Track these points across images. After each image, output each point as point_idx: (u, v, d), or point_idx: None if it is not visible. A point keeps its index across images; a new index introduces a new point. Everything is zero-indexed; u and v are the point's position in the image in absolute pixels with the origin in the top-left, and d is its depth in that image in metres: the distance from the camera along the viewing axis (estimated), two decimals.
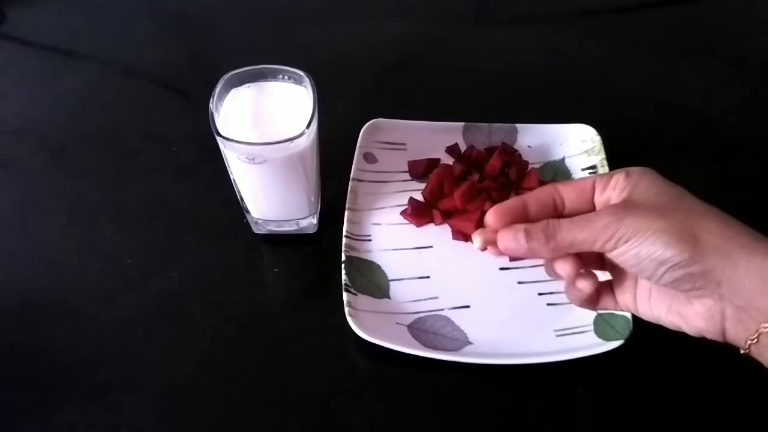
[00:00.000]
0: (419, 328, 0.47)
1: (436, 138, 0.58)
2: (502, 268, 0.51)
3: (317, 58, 0.64)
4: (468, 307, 0.49)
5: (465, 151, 0.57)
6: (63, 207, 0.56)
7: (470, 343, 0.47)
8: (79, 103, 0.64)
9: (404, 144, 0.58)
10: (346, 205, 0.52)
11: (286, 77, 0.48)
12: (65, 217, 0.55)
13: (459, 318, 0.48)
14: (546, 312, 0.48)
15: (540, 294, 0.49)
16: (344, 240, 0.50)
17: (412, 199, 0.54)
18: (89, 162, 0.59)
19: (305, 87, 0.47)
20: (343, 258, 0.49)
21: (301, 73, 0.47)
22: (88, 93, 0.65)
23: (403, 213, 0.54)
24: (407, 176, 0.56)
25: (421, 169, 0.56)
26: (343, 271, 0.49)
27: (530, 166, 0.56)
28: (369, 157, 0.56)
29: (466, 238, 0.52)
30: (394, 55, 0.69)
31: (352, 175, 0.54)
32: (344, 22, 0.73)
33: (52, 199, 0.56)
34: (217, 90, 0.46)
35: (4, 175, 0.58)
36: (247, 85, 0.48)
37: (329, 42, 0.70)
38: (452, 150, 0.58)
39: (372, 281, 0.50)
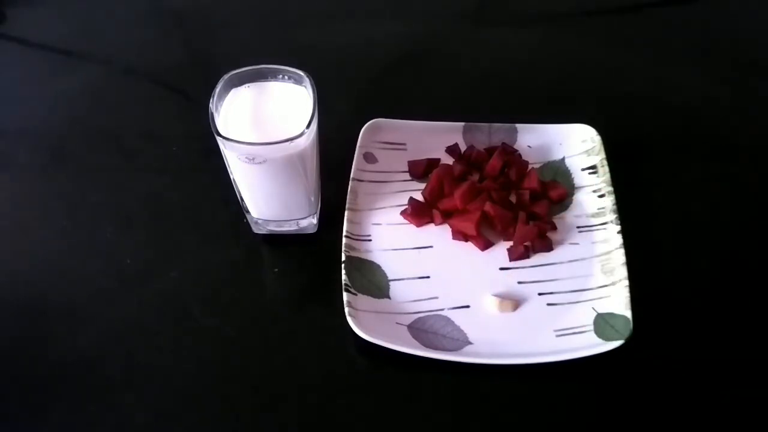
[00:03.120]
0: (419, 328, 0.47)
1: (436, 138, 0.58)
2: (502, 268, 0.51)
3: (317, 58, 0.64)
4: (468, 307, 0.49)
5: (465, 151, 0.57)
6: (63, 207, 0.56)
7: (470, 343, 0.47)
8: (79, 103, 0.64)
9: (404, 144, 0.58)
10: (346, 205, 0.52)
11: (286, 77, 0.48)
12: (65, 217, 0.55)
13: (459, 318, 0.48)
14: (546, 312, 0.48)
15: (540, 294, 0.49)
16: (344, 240, 0.50)
17: (412, 199, 0.54)
18: (89, 162, 0.59)
19: (305, 87, 0.47)
20: (343, 258, 0.49)
21: (301, 73, 0.47)
22: (88, 93, 0.65)
23: (403, 213, 0.54)
24: (407, 176, 0.56)
25: (421, 169, 0.56)
26: (343, 271, 0.49)
27: (530, 166, 0.56)
28: (369, 157, 0.56)
29: (466, 238, 0.52)
30: (394, 55, 0.69)
31: (352, 175, 0.54)
32: (344, 22, 0.73)
33: (52, 199, 0.57)
34: (217, 90, 0.46)
35: (4, 175, 0.58)
36: (247, 85, 0.48)
37: (329, 42, 0.70)
38: (452, 150, 0.58)
39: (372, 281, 0.50)
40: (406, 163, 0.57)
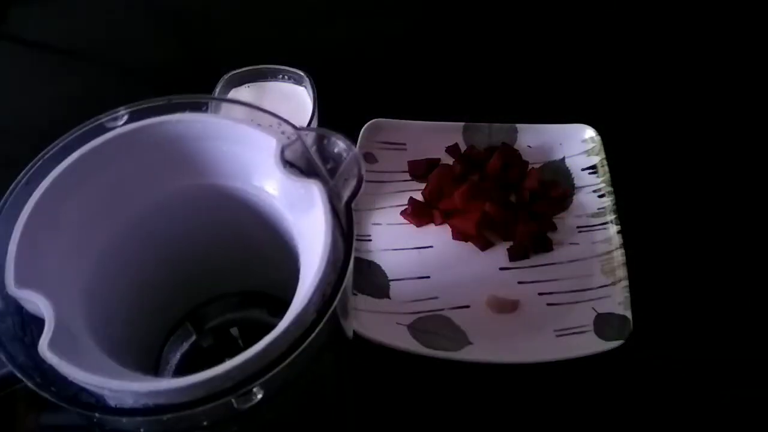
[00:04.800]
0: (419, 328, 0.47)
1: (436, 138, 0.58)
2: (502, 268, 0.51)
3: (317, 58, 0.64)
4: (468, 307, 0.49)
5: (465, 151, 0.57)
6: None
7: (470, 343, 0.47)
8: (79, 103, 0.64)
9: (404, 144, 0.58)
10: None
11: (286, 77, 0.48)
12: None
13: (459, 318, 0.48)
14: (546, 312, 0.48)
15: (540, 294, 0.49)
16: None
17: (412, 199, 0.54)
18: None
19: (305, 87, 0.48)
20: None
21: (301, 73, 0.48)
22: (88, 93, 0.65)
23: (403, 213, 0.54)
24: (407, 176, 0.56)
25: (421, 169, 0.56)
26: None
27: (530, 166, 0.56)
28: (369, 157, 0.56)
29: (466, 238, 0.52)
30: (394, 55, 0.69)
31: None
32: (344, 22, 0.73)
33: None
34: (217, 90, 0.46)
35: (4, 175, 0.58)
36: (247, 85, 0.48)
37: (329, 42, 0.70)
38: (452, 150, 0.58)
39: (372, 281, 0.50)
40: (406, 163, 0.57)
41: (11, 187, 0.29)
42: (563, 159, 0.57)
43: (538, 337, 0.47)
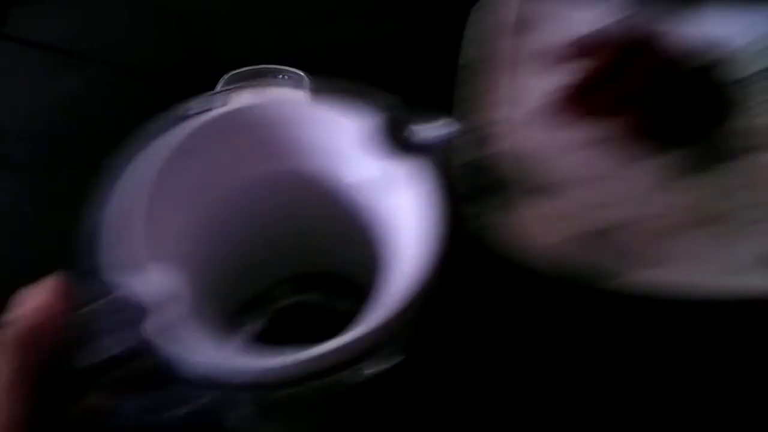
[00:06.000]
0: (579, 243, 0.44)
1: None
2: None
3: (317, 58, 0.64)
4: (635, 224, 0.45)
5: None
6: (63, 207, 0.56)
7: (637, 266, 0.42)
8: (79, 103, 0.64)
9: None
10: None
11: (286, 77, 0.48)
12: (66, 217, 0.55)
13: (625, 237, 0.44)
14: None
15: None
16: None
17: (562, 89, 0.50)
18: (90, 162, 0.59)
19: (305, 87, 0.47)
20: None
21: (301, 73, 0.47)
22: (88, 93, 0.65)
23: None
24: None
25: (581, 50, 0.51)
26: None
27: None
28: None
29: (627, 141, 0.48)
30: (394, 55, 0.69)
31: None
32: (344, 22, 0.73)
33: (52, 199, 0.56)
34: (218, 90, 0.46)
35: (4, 175, 0.58)
36: None
37: (329, 42, 0.69)
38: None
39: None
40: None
41: (113, 170, 0.32)
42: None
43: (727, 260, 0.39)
